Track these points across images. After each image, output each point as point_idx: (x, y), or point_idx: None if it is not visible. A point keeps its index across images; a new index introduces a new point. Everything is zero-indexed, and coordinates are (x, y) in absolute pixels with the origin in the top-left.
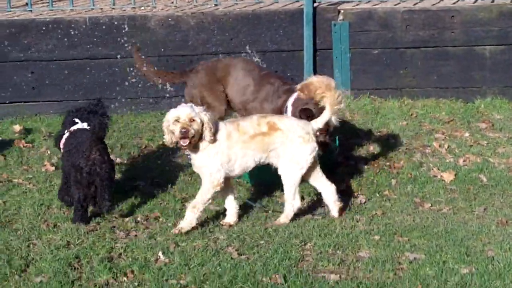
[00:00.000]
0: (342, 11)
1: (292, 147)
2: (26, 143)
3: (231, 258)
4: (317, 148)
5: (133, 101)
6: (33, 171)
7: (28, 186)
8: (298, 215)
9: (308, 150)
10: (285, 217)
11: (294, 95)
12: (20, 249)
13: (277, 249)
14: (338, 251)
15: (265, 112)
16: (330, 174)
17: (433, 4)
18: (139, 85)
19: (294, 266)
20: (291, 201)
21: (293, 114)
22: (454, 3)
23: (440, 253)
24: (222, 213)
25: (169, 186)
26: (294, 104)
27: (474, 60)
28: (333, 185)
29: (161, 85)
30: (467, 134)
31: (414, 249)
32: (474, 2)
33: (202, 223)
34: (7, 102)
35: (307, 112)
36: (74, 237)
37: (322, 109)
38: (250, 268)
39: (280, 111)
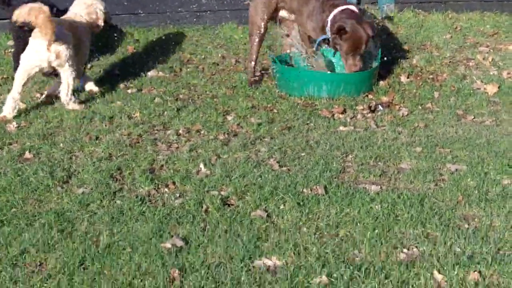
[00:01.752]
0: None
1: None
2: None
3: (272, 170)
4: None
5: (175, 15)
6: (75, 84)
7: None
8: (338, 127)
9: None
10: None
11: (336, 11)
12: (63, 161)
13: (318, 161)
14: (379, 163)
15: (309, 28)
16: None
17: None
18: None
19: (335, 178)
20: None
21: (330, 30)
22: None
23: (482, 164)
24: (263, 126)
25: (211, 99)
26: (332, 20)
27: None
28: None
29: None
30: (511, 47)
31: (456, 161)
32: None
33: (244, 136)
34: None
35: (340, 29)
36: (116, 149)
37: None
38: (291, 179)
39: (323, 27)
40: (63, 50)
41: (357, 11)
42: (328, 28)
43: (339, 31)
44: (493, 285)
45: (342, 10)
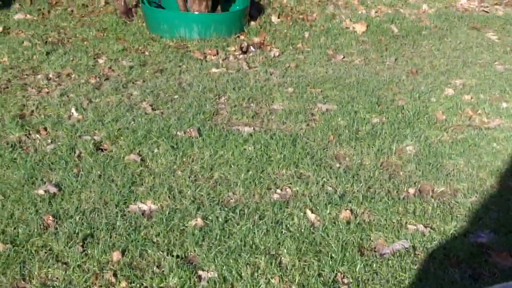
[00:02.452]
0: None
1: None
2: None
3: (145, 113)
4: None
5: None
6: None
7: None
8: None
9: None
10: None
11: None
12: None
13: (191, 103)
14: (252, 104)
15: None
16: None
17: None
18: None
19: (209, 120)
20: None
21: None
22: None
23: (352, 104)
24: (135, 69)
25: (82, 42)
26: None
27: None
28: None
29: None
30: None
31: (326, 100)
32: None
33: (115, 80)
34: None
35: None
36: None
37: None
38: (164, 122)
39: None
40: None
41: None
42: None
43: None
44: (364, 223)
45: None
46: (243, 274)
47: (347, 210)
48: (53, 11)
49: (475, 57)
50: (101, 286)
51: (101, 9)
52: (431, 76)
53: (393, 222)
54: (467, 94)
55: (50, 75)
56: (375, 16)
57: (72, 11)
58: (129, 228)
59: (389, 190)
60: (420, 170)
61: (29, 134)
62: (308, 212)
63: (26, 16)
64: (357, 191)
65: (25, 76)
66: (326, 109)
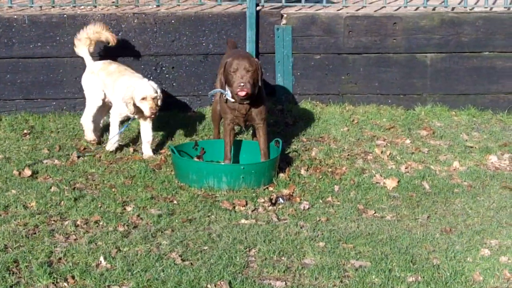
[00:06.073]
0: (285, 15)
1: None
2: None
3: (175, 264)
4: None
5: (71, 102)
6: None
7: None
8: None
9: None
10: None
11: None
12: None
13: (221, 255)
14: (283, 258)
15: None
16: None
17: (376, 11)
18: (78, 86)
19: (239, 273)
20: None
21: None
22: (396, 10)
23: (386, 261)
24: (164, 218)
25: (110, 188)
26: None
27: (415, 67)
28: None
29: None
30: (408, 141)
31: (359, 257)
32: (416, 10)
33: (144, 228)
34: None
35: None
36: (12, 240)
37: None
38: (194, 274)
39: None
40: None
41: None
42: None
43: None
44: None
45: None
46: None
47: None
48: (81, 157)
49: (510, 218)
50: None
51: (129, 156)
52: (466, 236)
53: None
54: (504, 255)
55: (78, 222)
56: (405, 172)
57: (100, 157)
58: None
59: None
60: None
61: (57, 282)
62: None
63: (54, 161)
64: None
65: (53, 222)
66: (360, 265)
